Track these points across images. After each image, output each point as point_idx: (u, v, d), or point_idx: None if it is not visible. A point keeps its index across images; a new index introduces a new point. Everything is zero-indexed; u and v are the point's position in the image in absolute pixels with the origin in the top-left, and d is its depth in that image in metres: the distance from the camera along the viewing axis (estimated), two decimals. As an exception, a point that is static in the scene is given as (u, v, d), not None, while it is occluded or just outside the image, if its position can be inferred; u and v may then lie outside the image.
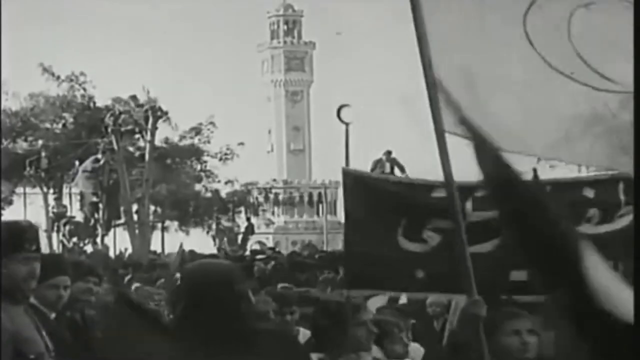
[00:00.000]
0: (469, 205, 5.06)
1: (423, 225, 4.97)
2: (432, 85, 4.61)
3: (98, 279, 7.18)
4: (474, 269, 4.87)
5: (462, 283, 4.63)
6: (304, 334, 6.74)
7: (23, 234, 4.80)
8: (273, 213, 73.68)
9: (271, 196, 70.17)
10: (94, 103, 42.75)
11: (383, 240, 5.15)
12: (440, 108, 4.58)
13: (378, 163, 29.32)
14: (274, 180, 74.73)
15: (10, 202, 44.22)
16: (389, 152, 29.42)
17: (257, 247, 34.16)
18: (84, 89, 42.76)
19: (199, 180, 48.68)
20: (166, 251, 32.42)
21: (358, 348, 5.24)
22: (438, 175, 4.80)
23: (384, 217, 5.18)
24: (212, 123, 45.99)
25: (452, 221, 4.71)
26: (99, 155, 30.73)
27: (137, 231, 30.29)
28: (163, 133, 41.94)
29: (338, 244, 43.10)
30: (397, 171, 29.47)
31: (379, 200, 5.22)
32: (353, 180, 5.38)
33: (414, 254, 4.98)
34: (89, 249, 29.04)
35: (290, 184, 76.78)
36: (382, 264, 5.14)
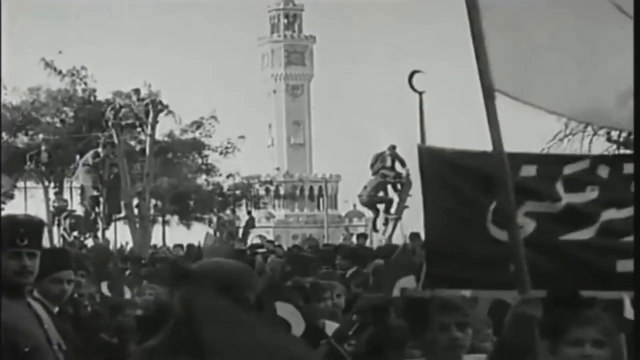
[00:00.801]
0: (559, 186, 4.42)
1: (516, 208, 4.23)
2: (479, 38, 4.15)
3: (86, 272, 7.25)
4: (575, 259, 4.33)
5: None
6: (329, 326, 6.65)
7: (13, 228, 4.81)
8: (274, 207, 73.71)
9: (272, 189, 70.04)
10: (95, 97, 42.81)
11: (469, 228, 4.44)
12: (488, 63, 4.13)
13: (379, 157, 29.31)
14: (277, 169, 74.68)
15: (11, 197, 44.24)
16: (393, 147, 29.41)
17: (257, 240, 34.18)
18: (85, 83, 42.85)
19: (201, 173, 48.75)
20: (166, 245, 32.44)
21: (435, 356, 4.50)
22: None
23: (469, 200, 4.46)
24: (213, 117, 46.13)
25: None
26: (99, 149, 30.72)
27: (137, 225, 30.31)
28: (166, 127, 42.11)
29: (338, 238, 43.16)
30: (398, 166, 29.48)
31: (463, 179, 4.47)
32: (430, 158, 4.57)
33: (505, 244, 4.22)
34: (89, 243, 29.06)
35: (291, 177, 76.82)
36: (468, 256, 4.44)
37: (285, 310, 5.72)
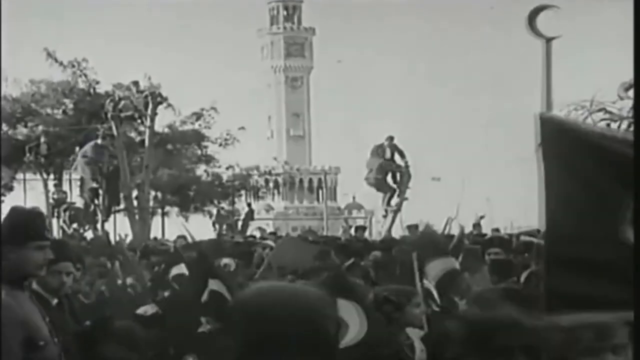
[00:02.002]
0: None
1: None
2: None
3: (81, 264, 7.24)
4: None
5: None
6: None
7: (39, 221, 4.82)
8: (273, 198, 73.69)
9: (271, 179, 70.01)
10: (94, 89, 42.83)
11: (600, 227, 3.42)
12: None
13: (379, 148, 29.26)
14: (275, 158, 74.69)
15: (10, 189, 44.24)
16: (391, 138, 29.37)
17: (257, 233, 34.16)
18: (85, 75, 42.86)
19: (201, 164, 48.78)
20: (166, 237, 32.44)
21: None
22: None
23: (601, 191, 3.43)
24: (213, 108, 46.15)
25: None
26: (99, 141, 30.68)
27: (137, 217, 30.30)
28: (166, 118, 42.18)
29: (338, 230, 43.16)
30: (397, 157, 29.43)
31: (595, 164, 3.46)
32: (554, 132, 3.53)
33: None
34: (89, 235, 29.03)
35: (290, 167, 76.82)
36: (598, 264, 3.39)
37: (346, 309, 4.79)
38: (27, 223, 4.77)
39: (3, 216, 4.88)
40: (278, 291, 2.37)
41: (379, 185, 29.49)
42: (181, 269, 8.05)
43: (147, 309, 5.85)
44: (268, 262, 10.80)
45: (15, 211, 4.89)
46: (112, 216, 32.72)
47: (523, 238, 13.32)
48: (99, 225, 30.81)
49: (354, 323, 4.79)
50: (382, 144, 29.20)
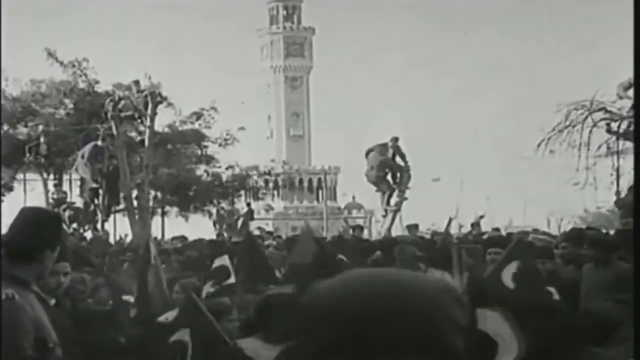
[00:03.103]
0: None
1: None
2: None
3: (90, 268, 7.24)
4: None
5: None
6: None
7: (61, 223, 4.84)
8: (273, 198, 73.63)
9: (271, 179, 70.00)
10: (94, 89, 42.82)
11: None
12: None
13: (382, 147, 29.22)
14: (272, 160, 74.78)
15: (10, 189, 44.23)
16: (395, 139, 29.34)
17: (257, 232, 34.15)
18: (85, 75, 42.85)
19: (201, 164, 48.76)
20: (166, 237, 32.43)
21: None
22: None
23: None
24: (213, 108, 46.13)
25: None
26: (99, 142, 30.68)
27: (137, 217, 30.28)
28: (166, 118, 42.18)
29: (338, 230, 43.18)
30: (398, 159, 29.42)
31: None
32: None
33: None
34: (89, 235, 29.02)
35: (289, 167, 76.78)
36: None
37: (497, 325, 3.55)
38: (60, 226, 4.79)
39: (3, 216, 4.87)
40: (377, 282, 1.59)
41: (379, 182, 29.47)
42: (224, 260, 7.86)
43: (168, 315, 5.80)
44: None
45: (53, 215, 4.90)
46: (111, 216, 32.74)
47: (533, 236, 13.31)
48: (98, 225, 30.82)
49: (510, 340, 3.58)
50: (386, 144, 29.16)
